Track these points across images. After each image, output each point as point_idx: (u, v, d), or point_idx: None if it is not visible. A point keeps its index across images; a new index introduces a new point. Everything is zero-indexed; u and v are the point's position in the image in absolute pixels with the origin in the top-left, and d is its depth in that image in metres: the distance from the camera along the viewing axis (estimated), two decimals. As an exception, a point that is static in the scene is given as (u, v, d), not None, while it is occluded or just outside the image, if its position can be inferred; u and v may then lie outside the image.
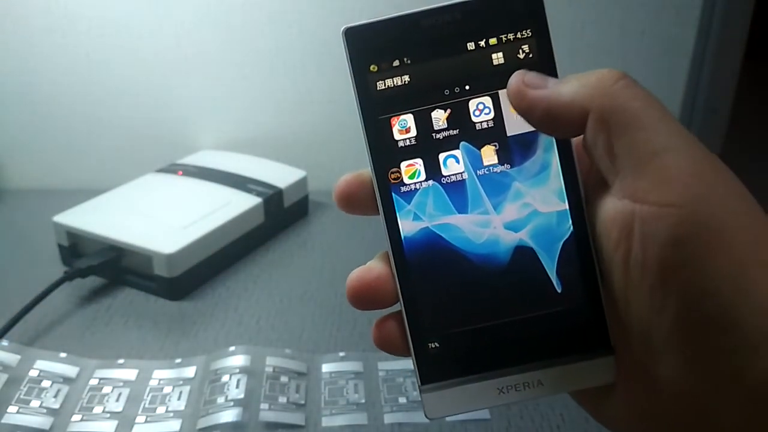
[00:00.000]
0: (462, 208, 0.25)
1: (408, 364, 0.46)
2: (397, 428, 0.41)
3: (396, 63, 0.25)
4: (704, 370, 0.21)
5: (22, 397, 0.43)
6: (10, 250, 0.63)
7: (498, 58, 0.25)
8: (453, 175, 0.25)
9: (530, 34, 0.24)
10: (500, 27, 0.24)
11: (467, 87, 0.25)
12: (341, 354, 0.47)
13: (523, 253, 0.25)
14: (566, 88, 0.23)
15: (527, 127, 0.25)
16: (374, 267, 0.26)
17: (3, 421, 0.41)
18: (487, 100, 0.25)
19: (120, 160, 0.77)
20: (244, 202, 0.63)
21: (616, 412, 0.24)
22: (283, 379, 0.45)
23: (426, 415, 0.25)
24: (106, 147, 0.77)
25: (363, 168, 0.26)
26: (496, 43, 0.24)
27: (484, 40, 0.24)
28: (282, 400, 0.43)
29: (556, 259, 0.25)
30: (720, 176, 0.21)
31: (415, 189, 0.25)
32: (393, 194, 0.25)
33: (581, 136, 0.24)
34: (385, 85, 0.25)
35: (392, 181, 0.25)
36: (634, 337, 0.23)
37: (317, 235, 0.67)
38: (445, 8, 0.24)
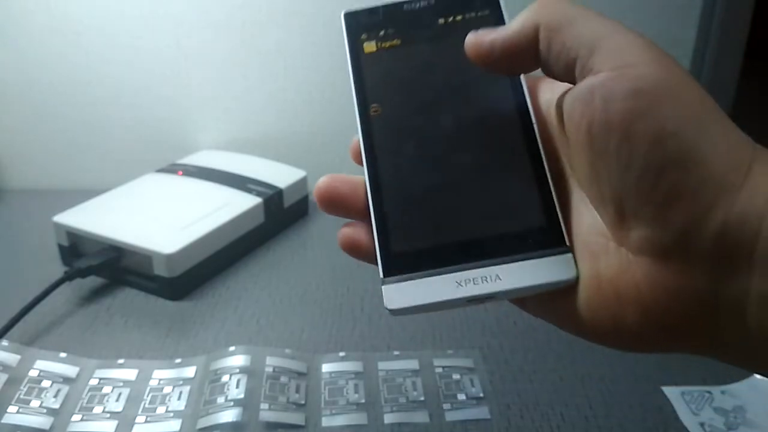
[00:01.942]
0: (428, 128, 0.29)
1: (408, 364, 0.46)
2: (397, 428, 0.41)
3: (382, 33, 0.31)
4: (672, 217, 0.22)
5: (22, 397, 0.43)
6: (10, 250, 0.63)
7: (459, 28, 0.30)
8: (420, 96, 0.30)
9: (487, 13, 0.30)
10: (464, 8, 0.31)
11: (438, 47, 0.31)
12: (341, 354, 0.47)
13: (480, 160, 0.29)
14: (513, 21, 0.27)
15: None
16: (346, 176, 0.29)
17: (3, 421, 0.41)
18: (454, 56, 0.30)
19: (120, 160, 0.77)
20: (244, 202, 0.63)
21: (587, 307, 0.25)
22: (283, 379, 0.45)
23: (386, 306, 0.26)
24: (106, 147, 0.77)
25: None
26: (460, 18, 0.31)
27: (452, 17, 0.31)
28: (282, 400, 0.43)
29: (510, 167, 0.28)
30: (660, 49, 0.24)
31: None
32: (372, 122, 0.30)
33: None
34: (371, 48, 0.31)
35: (372, 113, 0.30)
36: (607, 210, 0.24)
37: (317, 235, 0.67)
38: None
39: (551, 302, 0.26)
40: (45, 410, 0.42)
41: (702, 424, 0.41)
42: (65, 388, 0.44)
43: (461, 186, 0.28)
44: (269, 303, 0.55)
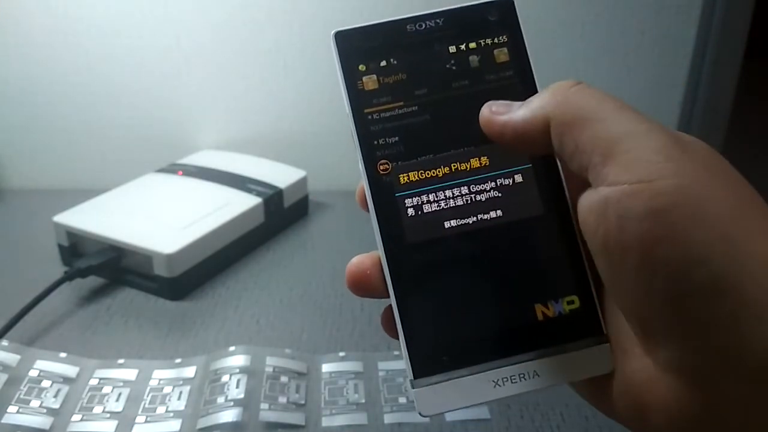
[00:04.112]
0: (450, 196, 0.26)
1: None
2: (397, 428, 0.41)
3: (383, 63, 0.26)
4: (704, 344, 0.20)
5: (22, 397, 0.43)
6: (10, 250, 0.63)
7: (474, 60, 0.26)
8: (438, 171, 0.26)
9: (506, 39, 0.26)
10: (478, 32, 0.26)
11: (450, 87, 0.26)
12: (341, 354, 0.47)
13: (512, 247, 0.25)
14: (526, 106, 0.24)
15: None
16: (375, 254, 0.26)
17: (3, 421, 0.41)
18: (471, 97, 0.26)
19: (120, 160, 0.77)
20: (244, 202, 0.63)
21: (616, 400, 0.24)
22: (283, 379, 0.45)
23: (419, 413, 0.24)
24: (106, 147, 0.77)
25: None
26: (475, 47, 0.26)
27: (464, 43, 0.26)
28: (282, 400, 0.43)
29: (544, 252, 0.25)
30: (686, 149, 0.21)
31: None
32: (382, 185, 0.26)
33: None
34: (373, 84, 0.26)
35: (381, 173, 0.26)
36: (631, 324, 0.23)
37: (317, 235, 0.67)
38: (429, 15, 0.26)
39: (586, 384, 0.25)
40: (45, 410, 0.42)
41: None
42: (65, 388, 0.44)
43: (491, 267, 0.25)
44: (269, 303, 0.55)
